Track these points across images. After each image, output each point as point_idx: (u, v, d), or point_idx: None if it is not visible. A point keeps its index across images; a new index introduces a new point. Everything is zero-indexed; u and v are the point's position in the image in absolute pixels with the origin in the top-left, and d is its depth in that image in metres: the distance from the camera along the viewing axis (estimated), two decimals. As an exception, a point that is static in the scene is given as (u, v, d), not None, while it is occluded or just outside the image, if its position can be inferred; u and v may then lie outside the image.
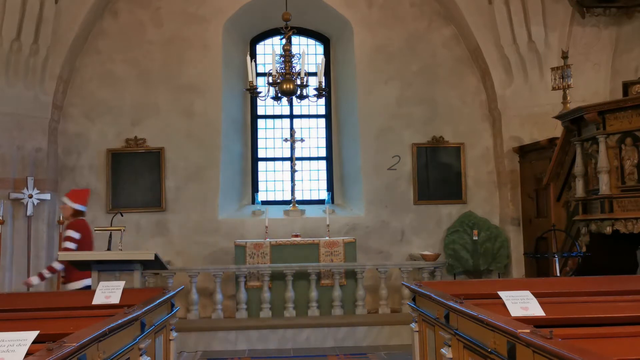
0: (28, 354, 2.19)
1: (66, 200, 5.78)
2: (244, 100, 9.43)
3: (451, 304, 3.23)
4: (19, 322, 3.01)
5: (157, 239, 8.59)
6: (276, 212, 8.86)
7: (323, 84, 7.30)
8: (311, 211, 8.90)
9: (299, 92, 7.06)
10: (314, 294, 7.43)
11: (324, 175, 9.59)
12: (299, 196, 9.11)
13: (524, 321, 2.65)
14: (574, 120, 6.44)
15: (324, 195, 9.23)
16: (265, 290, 7.41)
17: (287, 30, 7.08)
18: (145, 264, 5.90)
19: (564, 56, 7.44)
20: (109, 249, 6.12)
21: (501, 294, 3.25)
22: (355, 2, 9.05)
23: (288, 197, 9.01)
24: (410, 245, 8.87)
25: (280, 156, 9.45)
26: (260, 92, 7.17)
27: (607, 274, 4.60)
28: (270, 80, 6.94)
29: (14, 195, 7.79)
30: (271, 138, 9.56)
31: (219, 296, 7.47)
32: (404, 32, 9.07)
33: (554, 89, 7.48)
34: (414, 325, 4.33)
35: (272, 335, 7.14)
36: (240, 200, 9.28)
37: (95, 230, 5.88)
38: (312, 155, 9.59)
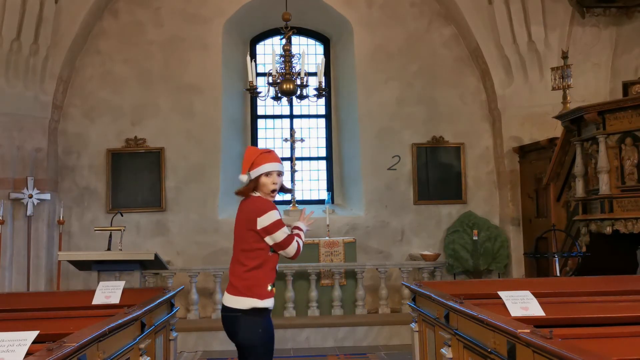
0: (28, 354, 2.19)
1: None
2: (243, 100, 9.43)
3: (451, 304, 3.23)
4: (19, 322, 3.01)
5: (157, 239, 8.59)
6: (276, 212, 8.84)
7: (323, 84, 7.30)
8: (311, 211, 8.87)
9: (299, 92, 7.06)
10: (313, 294, 7.43)
11: (324, 175, 9.59)
12: (299, 196, 9.11)
13: (524, 321, 2.64)
14: (574, 120, 6.44)
15: (324, 195, 9.21)
16: (265, 290, 7.39)
17: (287, 30, 7.09)
18: (145, 264, 5.91)
19: (564, 56, 7.43)
20: (109, 249, 6.13)
21: (501, 294, 3.24)
22: (355, 2, 9.04)
23: (288, 197, 9.00)
24: (410, 245, 8.87)
25: (280, 156, 9.41)
26: (260, 92, 7.17)
27: (607, 274, 4.59)
28: (270, 80, 6.94)
29: (14, 195, 7.78)
30: (271, 138, 9.56)
31: (219, 296, 7.46)
32: (404, 32, 9.06)
33: (554, 89, 7.47)
34: (414, 325, 4.32)
35: (271, 335, 7.13)
36: (240, 200, 9.26)
37: (95, 230, 5.86)
38: (312, 155, 9.59)
